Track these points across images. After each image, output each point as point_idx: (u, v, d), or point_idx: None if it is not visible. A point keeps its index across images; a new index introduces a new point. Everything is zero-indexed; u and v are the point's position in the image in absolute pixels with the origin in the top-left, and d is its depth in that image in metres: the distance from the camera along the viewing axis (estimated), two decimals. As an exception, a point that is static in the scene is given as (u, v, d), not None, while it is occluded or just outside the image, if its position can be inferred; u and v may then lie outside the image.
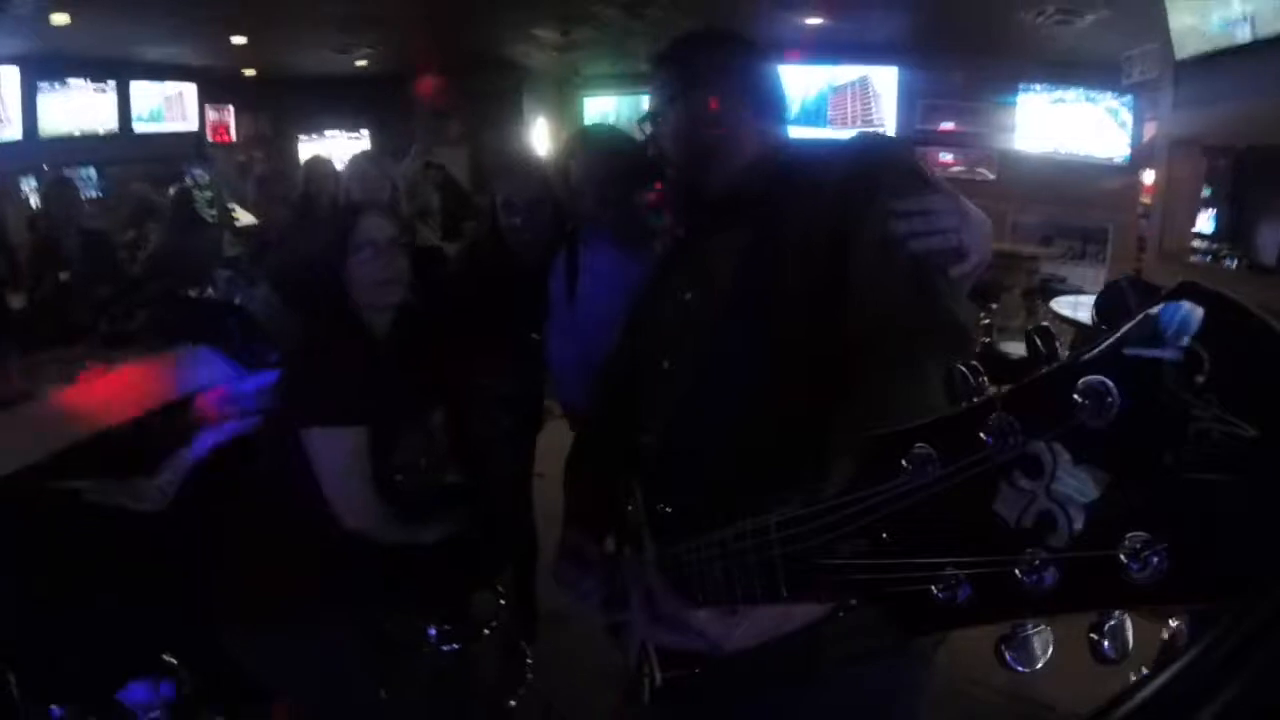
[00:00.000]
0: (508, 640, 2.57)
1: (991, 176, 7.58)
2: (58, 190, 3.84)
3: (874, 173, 0.98)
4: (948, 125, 7.79)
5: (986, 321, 6.09)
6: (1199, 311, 0.36)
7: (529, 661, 2.57)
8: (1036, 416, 0.41)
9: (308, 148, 9.44)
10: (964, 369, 0.46)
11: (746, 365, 1.00)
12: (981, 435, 0.43)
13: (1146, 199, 6.21)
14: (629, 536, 1.10)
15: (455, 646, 2.16)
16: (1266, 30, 3.72)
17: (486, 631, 2.39)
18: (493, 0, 6.32)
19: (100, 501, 2.07)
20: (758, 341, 0.99)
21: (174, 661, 1.95)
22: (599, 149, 1.93)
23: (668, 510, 1.03)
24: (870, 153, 1.02)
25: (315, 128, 9.41)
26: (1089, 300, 5.26)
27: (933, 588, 0.46)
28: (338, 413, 1.55)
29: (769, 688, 1.00)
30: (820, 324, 0.94)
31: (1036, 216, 7.45)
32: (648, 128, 1.19)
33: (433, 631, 2.11)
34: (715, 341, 1.04)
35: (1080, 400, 0.39)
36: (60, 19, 5.55)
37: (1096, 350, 0.39)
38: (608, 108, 9.07)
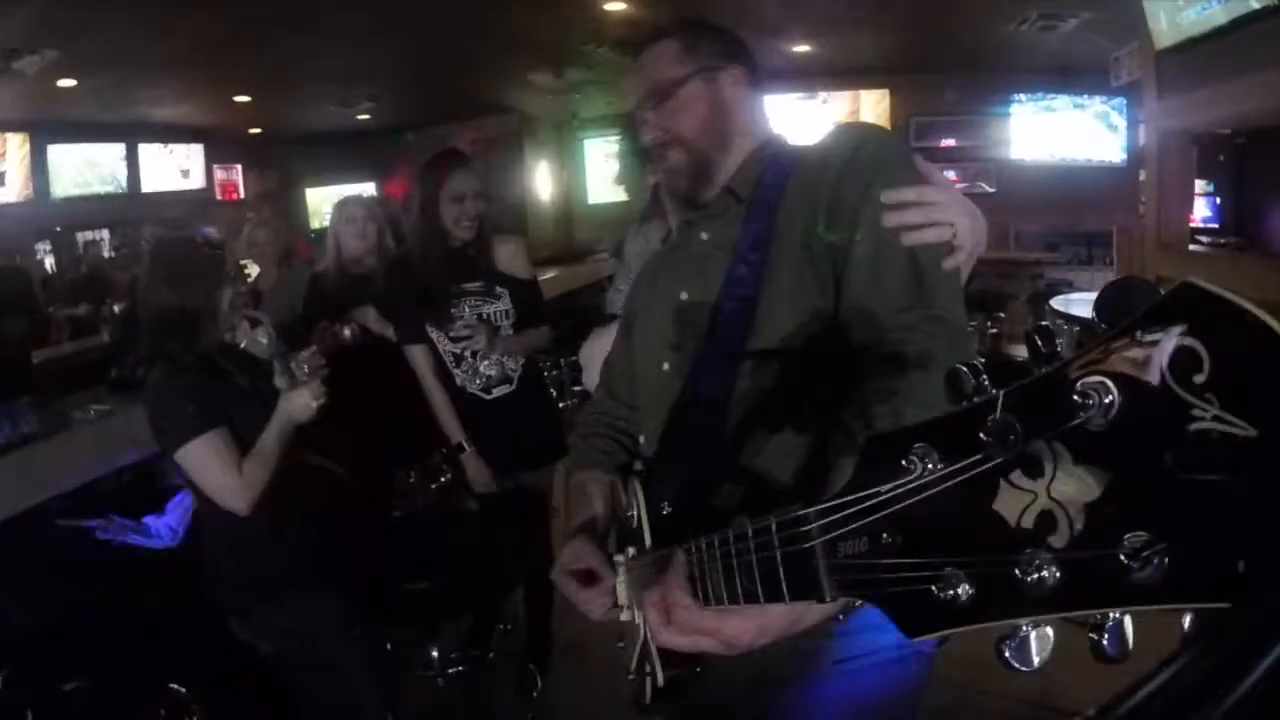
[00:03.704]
0: (518, 667, 2.57)
1: (991, 190, 7.60)
2: (130, 237, 3.95)
3: (869, 165, 0.98)
4: (948, 142, 7.84)
5: (994, 331, 6.08)
6: (1199, 311, 0.35)
7: (539, 688, 2.56)
8: (1036, 416, 0.41)
9: (315, 202, 9.61)
10: (964, 368, 0.46)
11: (744, 364, 0.99)
12: (981, 435, 0.43)
13: (1147, 199, 6.22)
14: (630, 537, 1.09)
15: (460, 669, 2.16)
16: (1239, 11, 3.78)
17: (491, 655, 2.38)
18: (488, 48, 6.43)
19: (112, 539, 2.11)
20: (754, 340, 0.99)
21: (183, 690, 1.97)
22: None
23: (668, 510, 1.03)
24: (863, 145, 1.02)
25: (322, 182, 9.57)
26: (1084, 297, 5.30)
27: (933, 588, 0.46)
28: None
29: (770, 686, 0.99)
30: (817, 321, 0.94)
31: (1040, 225, 7.47)
32: (646, 114, 1.14)
33: (435, 654, 2.12)
34: (712, 341, 1.03)
35: (1080, 400, 0.38)
36: (66, 83, 5.65)
37: (1097, 349, 0.39)
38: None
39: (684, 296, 1.11)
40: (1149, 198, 5.32)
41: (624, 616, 1.07)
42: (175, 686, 1.95)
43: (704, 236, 1.14)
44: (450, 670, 2.15)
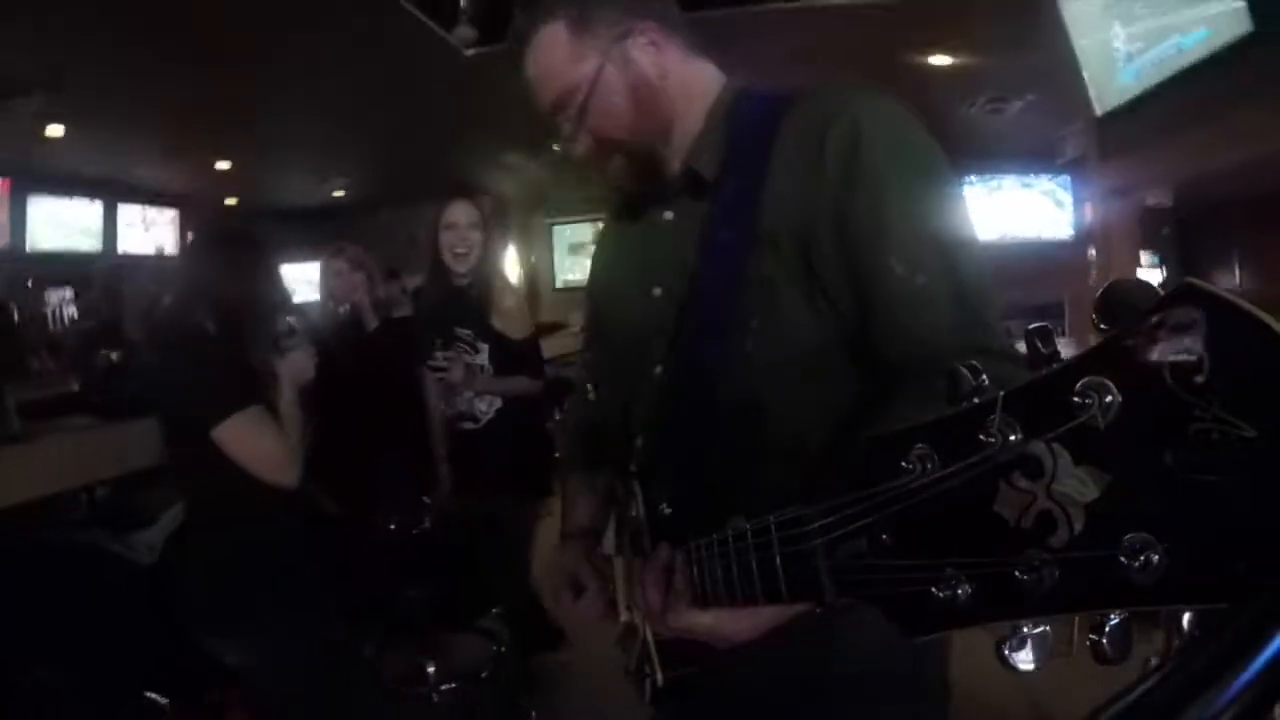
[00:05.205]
0: (509, 693, 2.53)
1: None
2: (113, 280, 4.05)
3: (888, 146, 0.85)
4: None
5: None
6: (1199, 311, 0.36)
7: (533, 715, 2.54)
8: (1036, 416, 0.41)
9: (288, 278, 9.52)
10: (964, 369, 0.46)
11: (737, 360, 0.91)
12: (981, 435, 0.43)
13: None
14: (629, 538, 1.05)
15: (451, 686, 2.15)
16: (1153, 80, 3.94)
17: (484, 675, 2.35)
18: (464, 128, 6.55)
19: (96, 546, 2.08)
20: (745, 334, 0.90)
21: (163, 701, 1.92)
22: None
23: (667, 510, 0.98)
24: (878, 119, 0.86)
25: (293, 257, 9.52)
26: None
27: (933, 588, 0.46)
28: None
29: (771, 685, 0.97)
30: (815, 311, 0.87)
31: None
32: (562, 123, 0.97)
33: (430, 670, 2.11)
34: (698, 337, 0.94)
35: (1080, 400, 0.39)
36: (55, 130, 5.52)
37: (1096, 349, 0.40)
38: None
39: (657, 292, 1.00)
40: (1097, 263, 5.54)
41: (623, 617, 1.06)
42: (152, 696, 1.90)
43: (668, 217, 1.00)
44: (444, 686, 2.13)
